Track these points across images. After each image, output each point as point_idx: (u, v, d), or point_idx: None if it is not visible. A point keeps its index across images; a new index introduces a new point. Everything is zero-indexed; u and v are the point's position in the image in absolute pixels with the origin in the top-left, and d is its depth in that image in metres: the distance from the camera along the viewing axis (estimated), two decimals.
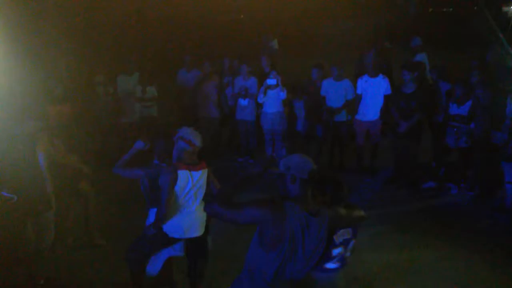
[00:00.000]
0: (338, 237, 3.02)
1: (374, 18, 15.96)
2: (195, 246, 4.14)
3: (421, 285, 4.59)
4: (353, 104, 7.37)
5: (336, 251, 3.02)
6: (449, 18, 21.77)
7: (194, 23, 13.11)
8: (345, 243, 3.05)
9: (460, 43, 14.44)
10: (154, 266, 4.17)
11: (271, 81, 7.48)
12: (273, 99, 7.65)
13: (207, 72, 8.15)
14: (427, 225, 5.82)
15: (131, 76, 8.15)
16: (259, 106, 7.91)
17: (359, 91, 7.24)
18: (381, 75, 7.14)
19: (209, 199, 3.84)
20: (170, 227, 3.98)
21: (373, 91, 7.12)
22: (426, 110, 6.84)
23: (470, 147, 6.47)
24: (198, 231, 4.06)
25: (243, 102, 7.94)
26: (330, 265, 3.06)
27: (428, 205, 6.47)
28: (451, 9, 24.00)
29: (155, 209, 4.02)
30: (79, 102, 7.60)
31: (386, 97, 7.13)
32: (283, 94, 7.55)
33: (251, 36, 12.10)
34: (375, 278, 4.74)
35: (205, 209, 3.11)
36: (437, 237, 5.50)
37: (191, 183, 3.93)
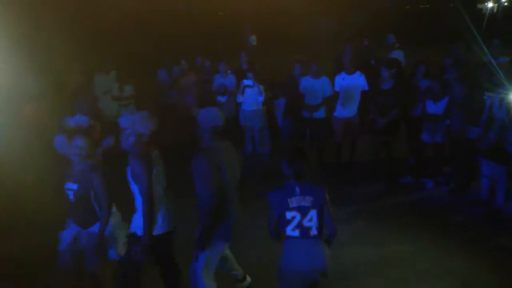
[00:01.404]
0: (292, 202, 3.40)
1: (352, 16, 16.08)
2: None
3: (398, 278, 4.66)
4: (331, 101, 7.41)
5: (289, 214, 3.38)
6: (426, 15, 22.05)
7: (173, 21, 13.01)
8: (301, 210, 3.39)
9: (436, 39, 14.64)
10: None
11: (247, 82, 7.52)
12: (250, 97, 7.68)
13: (183, 69, 8.14)
14: (405, 220, 5.90)
15: (108, 75, 8.07)
16: (238, 103, 7.93)
17: (336, 88, 7.28)
18: (358, 72, 7.17)
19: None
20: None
21: (351, 88, 7.16)
22: (403, 106, 6.92)
23: (446, 142, 6.59)
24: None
25: (222, 99, 7.94)
26: (290, 232, 3.41)
27: (406, 200, 6.56)
28: (427, 6, 24.35)
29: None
30: (55, 100, 7.52)
31: (364, 94, 7.19)
32: (261, 98, 7.60)
33: (230, 32, 12.06)
34: (353, 272, 4.80)
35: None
36: (414, 231, 5.59)
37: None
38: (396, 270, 4.80)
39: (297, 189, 3.43)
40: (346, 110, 7.28)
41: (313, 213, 3.40)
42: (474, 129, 6.02)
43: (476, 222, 5.84)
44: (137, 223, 3.72)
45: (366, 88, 7.15)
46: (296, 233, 3.40)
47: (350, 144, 7.56)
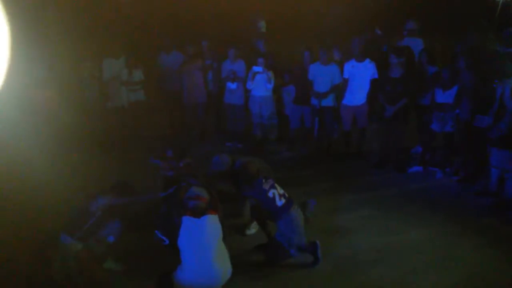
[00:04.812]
0: (265, 185, 4.64)
1: (365, 1, 15.79)
2: None
3: (405, 267, 4.66)
4: (341, 88, 7.36)
5: (270, 193, 4.59)
6: (439, 2, 21.65)
7: (181, 4, 12.82)
8: (273, 187, 4.65)
9: (450, 26, 14.37)
10: None
11: (257, 68, 7.49)
12: (261, 83, 7.64)
13: (189, 54, 8.08)
14: (413, 209, 5.87)
15: (117, 60, 8.05)
16: (247, 89, 7.90)
17: (346, 76, 7.22)
18: (368, 60, 7.10)
19: None
20: None
21: (360, 76, 7.09)
22: (412, 95, 6.86)
23: (455, 131, 6.54)
24: None
25: (232, 86, 7.91)
26: (279, 203, 4.58)
27: (414, 189, 6.52)
28: None
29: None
30: (65, 87, 7.54)
31: (373, 82, 7.13)
32: (270, 86, 7.59)
33: (238, 18, 11.89)
34: (359, 260, 4.81)
35: None
36: (422, 221, 5.57)
37: None
38: (403, 259, 4.80)
39: (260, 180, 4.69)
40: (355, 98, 7.23)
41: (275, 184, 4.70)
42: (484, 118, 5.97)
43: (484, 212, 5.80)
44: None
45: (376, 76, 7.08)
46: (282, 201, 4.60)
47: (358, 133, 7.53)
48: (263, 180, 4.70)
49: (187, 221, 3.91)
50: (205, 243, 3.89)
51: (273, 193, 4.61)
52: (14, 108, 5.64)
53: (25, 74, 6.92)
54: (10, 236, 5.00)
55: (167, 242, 4.18)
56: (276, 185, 4.74)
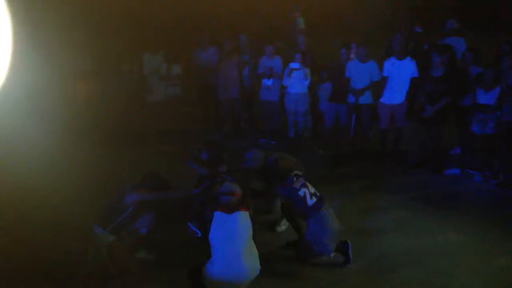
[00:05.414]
0: (296, 184, 4.64)
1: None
2: None
3: (438, 271, 4.56)
4: (379, 86, 7.24)
5: (301, 192, 4.59)
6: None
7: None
8: (304, 185, 4.64)
9: (494, 26, 13.95)
10: None
11: (294, 65, 7.44)
12: (297, 80, 7.60)
13: (227, 50, 8.10)
14: (448, 212, 5.74)
15: (156, 55, 8.19)
16: (283, 86, 7.88)
17: (385, 74, 7.09)
18: (408, 57, 6.95)
19: None
20: None
21: (400, 74, 6.94)
22: (454, 95, 6.66)
23: (496, 133, 6.32)
24: None
25: (268, 82, 7.89)
26: (310, 202, 4.57)
27: (451, 191, 6.37)
28: None
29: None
30: (105, 80, 7.76)
31: (413, 80, 6.98)
32: (306, 83, 7.55)
33: (277, 13, 11.86)
34: (391, 261, 4.75)
35: None
36: (458, 224, 5.44)
37: None
38: (435, 261, 4.71)
39: (291, 178, 4.68)
40: (394, 97, 7.08)
41: (305, 183, 4.69)
42: None
43: None
44: None
45: (416, 74, 6.93)
46: (313, 200, 4.59)
47: (395, 132, 7.40)
48: (294, 179, 4.68)
49: (218, 217, 3.95)
50: (235, 239, 3.92)
51: (304, 192, 4.60)
52: (50, 100, 5.83)
53: (67, 67, 7.15)
54: (47, 226, 5.17)
55: (200, 234, 4.24)
56: (307, 183, 4.71)
